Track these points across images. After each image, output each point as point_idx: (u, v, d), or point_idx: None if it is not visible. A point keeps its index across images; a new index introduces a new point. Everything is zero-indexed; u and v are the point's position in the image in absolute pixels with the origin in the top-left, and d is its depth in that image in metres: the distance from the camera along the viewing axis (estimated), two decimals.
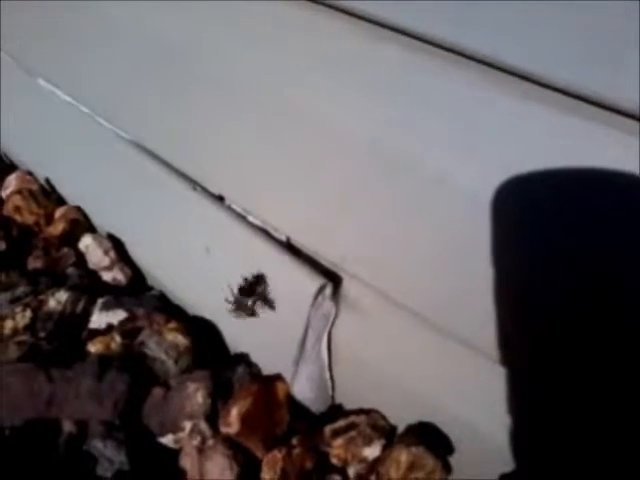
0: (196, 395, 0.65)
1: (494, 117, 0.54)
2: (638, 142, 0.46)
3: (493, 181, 0.53)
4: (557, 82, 0.51)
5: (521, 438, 0.56)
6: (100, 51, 0.90)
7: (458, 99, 0.56)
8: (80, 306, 0.78)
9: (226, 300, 0.68)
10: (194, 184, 0.78)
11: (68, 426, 0.64)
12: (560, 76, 0.50)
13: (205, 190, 0.77)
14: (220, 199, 0.76)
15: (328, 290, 0.65)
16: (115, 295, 0.80)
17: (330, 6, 0.65)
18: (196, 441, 0.63)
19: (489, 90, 0.54)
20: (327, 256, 0.66)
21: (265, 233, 0.71)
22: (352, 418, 0.65)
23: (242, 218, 0.73)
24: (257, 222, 0.72)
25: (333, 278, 0.65)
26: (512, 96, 0.53)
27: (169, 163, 0.81)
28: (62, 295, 0.78)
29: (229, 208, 0.74)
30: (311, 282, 0.65)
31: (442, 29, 0.56)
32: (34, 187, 0.96)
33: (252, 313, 0.68)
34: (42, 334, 0.74)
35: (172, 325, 0.72)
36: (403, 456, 0.58)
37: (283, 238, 0.70)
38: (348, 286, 0.65)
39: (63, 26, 0.96)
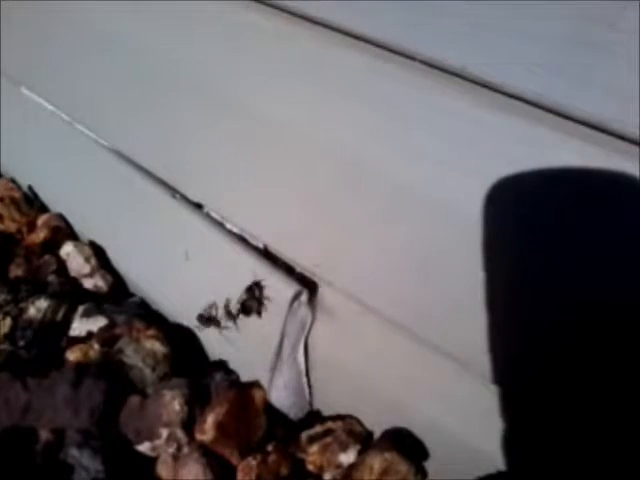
0: (173, 403, 0.65)
1: (464, 126, 0.54)
2: (600, 152, 0.47)
3: (463, 189, 0.53)
4: (525, 93, 0.51)
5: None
6: (82, 60, 0.90)
7: (428, 108, 0.56)
8: (60, 314, 0.78)
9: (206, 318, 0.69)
10: (173, 192, 0.78)
11: (45, 435, 0.64)
12: (528, 87, 0.51)
13: (184, 198, 0.77)
14: (199, 207, 0.76)
15: (304, 297, 0.65)
16: (96, 302, 0.80)
17: (303, 17, 0.66)
18: (172, 448, 0.63)
19: (458, 100, 0.54)
20: (303, 263, 0.67)
21: (243, 240, 0.71)
22: (328, 424, 0.65)
23: (220, 225, 0.73)
24: (235, 229, 0.72)
25: (309, 285, 0.66)
26: (481, 106, 0.53)
27: (149, 171, 0.81)
28: (42, 303, 0.78)
29: (208, 215, 0.75)
30: (287, 288, 0.65)
31: (410, 38, 0.57)
32: (17, 195, 0.97)
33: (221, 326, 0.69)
34: (22, 342, 0.75)
35: (151, 333, 0.72)
36: (376, 462, 0.58)
37: (260, 245, 0.70)
38: (324, 293, 0.66)
39: (46, 35, 0.96)
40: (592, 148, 0.46)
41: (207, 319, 0.68)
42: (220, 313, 0.68)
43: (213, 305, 0.68)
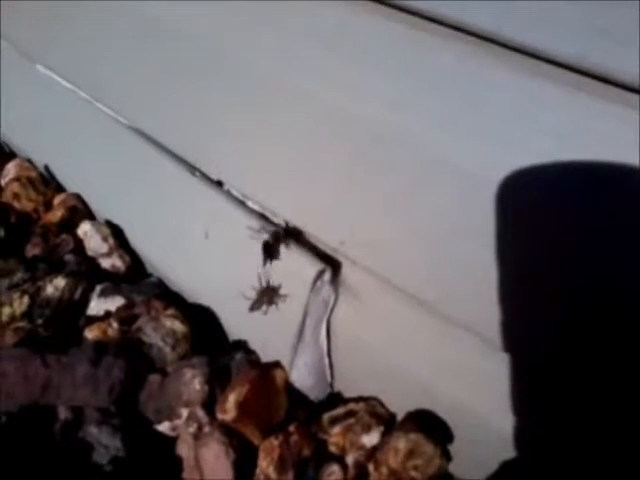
0: (193, 382, 0.64)
1: (498, 95, 0.52)
2: None
3: (497, 162, 0.52)
4: (563, 58, 0.49)
5: (522, 425, 0.55)
6: (99, 36, 0.89)
7: (461, 77, 0.54)
8: (78, 293, 0.77)
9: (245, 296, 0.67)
10: (193, 169, 0.77)
11: (64, 412, 0.63)
12: (567, 51, 0.49)
13: (204, 175, 0.76)
14: (219, 184, 0.75)
15: (327, 275, 0.64)
16: (114, 282, 0.80)
17: None
18: (192, 428, 0.62)
19: (493, 67, 0.52)
20: (326, 241, 0.65)
21: (264, 218, 0.70)
22: (351, 405, 0.64)
23: (241, 203, 0.72)
24: (256, 207, 0.71)
25: (332, 263, 0.64)
26: (517, 73, 0.51)
27: (168, 148, 0.80)
28: (60, 282, 0.77)
29: (228, 193, 0.74)
30: (310, 267, 0.64)
31: (445, 5, 0.55)
32: (33, 174, 0.96)
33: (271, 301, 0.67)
34: (39, 321, 0.74)
35: (170, 312, 0.71)
36: (401, 443, 0.57)
37: (282, 223, 0.69)
38: (347, 271, 0.64)
39: (62, 12, 0.95)
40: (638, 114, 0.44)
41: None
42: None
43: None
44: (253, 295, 0.66)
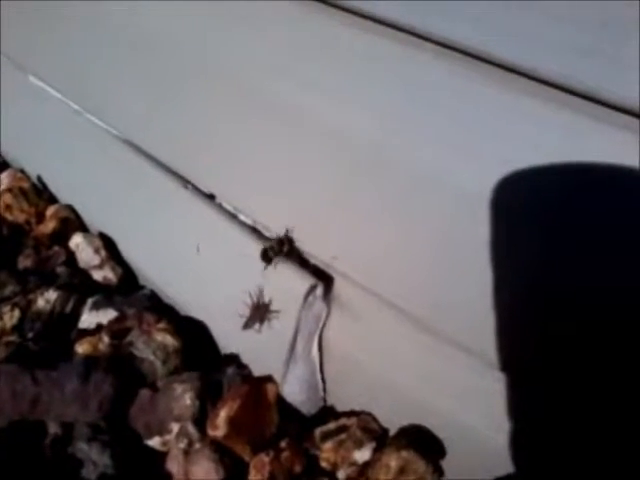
0: (184, 397, 0.63)
1: (490, 113, 0.52)
2: (635, 138, 0.45)
3: (488, 178, 0.52)
4: (553, 77, 0.49)
5: (515, 441, 0.54)
6: (91, 48, 0.89)
7: (453, 95, 0.55)
8: (70, 306, 0.77)
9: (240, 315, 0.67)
10: (185, 182, 0.77)
11: (53, 428, 0.63)
12: (556, 71, 0.49)
13: (196, 188, 0.76)
14: (211, 197, 0.75)
15: (319, 290, 0.63)
16: (106, 294, 0.79)
17: (322, 1, 0.64)
18: (183, 444, 0.61)
19: (485, 85, 0.53)
20: (318, 255, 0.65)
21: (256, 232, 0.70)
22: (343, 420, 0.63)
23: (233, 217, 0.72)
24: (248, 221, 0.71)
25: (324, 278, 0.64)
26: (508, 91, 0.51)
27: (160, 161, 0.80)
28: (51, 294, 0.77)
29: (220, 207, 0.73)
30: (302, 282, 0.63)
31: (436, 23, 0.55)
32: (25, 185, 0.95)
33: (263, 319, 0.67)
34: (30, 334, 0.73)
35: (161, 325, 0.71)
36: (393, 460, 0.57)
37: (274, 237, 0.69)
38: (340, 286, 0.64)
39: (54, 22, 0.95)
40: (624, 134, 0.44)
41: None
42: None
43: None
44: (246, 312, 0.66)
